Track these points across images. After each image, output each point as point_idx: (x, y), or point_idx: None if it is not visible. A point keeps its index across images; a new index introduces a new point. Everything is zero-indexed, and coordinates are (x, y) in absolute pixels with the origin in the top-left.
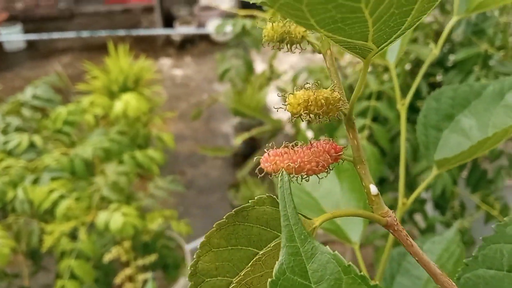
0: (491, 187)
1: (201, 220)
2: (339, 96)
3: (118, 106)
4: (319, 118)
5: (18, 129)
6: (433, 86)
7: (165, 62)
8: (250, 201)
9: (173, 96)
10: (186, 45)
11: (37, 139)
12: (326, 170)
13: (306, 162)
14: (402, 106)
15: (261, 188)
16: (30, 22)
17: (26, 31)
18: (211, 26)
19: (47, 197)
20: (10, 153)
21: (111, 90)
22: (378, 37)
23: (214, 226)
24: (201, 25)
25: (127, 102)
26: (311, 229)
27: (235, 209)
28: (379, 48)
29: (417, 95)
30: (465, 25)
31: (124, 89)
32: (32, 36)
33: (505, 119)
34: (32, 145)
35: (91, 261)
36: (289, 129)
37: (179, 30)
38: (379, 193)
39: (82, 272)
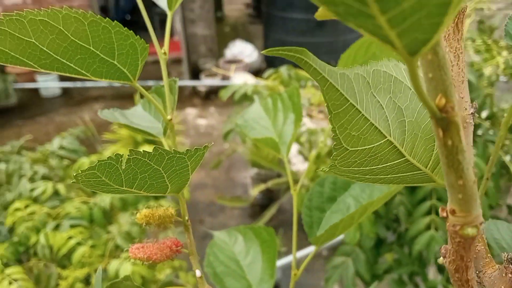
0: None
1: None
2: (171, 212)
3: None
4: (159, 226)
5: (45, 177)
6: None
7: (191, 111)
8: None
9: (196, 144)
10: (210, 95)
11: (61, 188)
12: (171, 258)
13: (153, 254)
14: (294, 192)
15: (277, 238)
16: None
17: (62, 78)
18: (235, 79)
19: (66, 243)
20: (35, 200)
21: (136, 140)
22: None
23: None
24: (225, 77)
25: None
26: None
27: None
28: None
29: None
30: None
31: (148, 139)
32: (67, 84)
33: (378, 194)
34: (56, 193)
35: None
36: (306, 181)
37: (205, 82)
38: (202, 275)
39: None
